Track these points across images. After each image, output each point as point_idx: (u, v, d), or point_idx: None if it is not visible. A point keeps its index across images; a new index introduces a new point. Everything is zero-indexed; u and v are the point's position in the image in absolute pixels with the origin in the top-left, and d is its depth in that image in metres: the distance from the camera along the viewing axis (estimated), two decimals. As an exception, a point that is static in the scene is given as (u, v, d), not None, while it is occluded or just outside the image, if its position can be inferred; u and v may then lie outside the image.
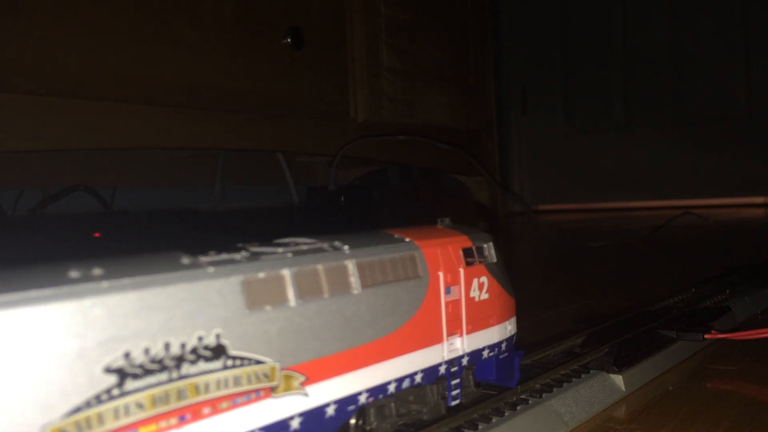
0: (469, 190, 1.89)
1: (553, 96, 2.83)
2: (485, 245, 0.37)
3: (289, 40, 1.20)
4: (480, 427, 0.36)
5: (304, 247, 0.28)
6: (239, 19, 1.14)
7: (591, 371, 0.45)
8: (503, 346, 0.38)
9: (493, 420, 0.37)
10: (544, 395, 0.41)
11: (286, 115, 1.25)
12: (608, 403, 0.44)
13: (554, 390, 0.41)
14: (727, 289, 0.72)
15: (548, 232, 2.03)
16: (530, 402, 0.40)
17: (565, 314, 0.74)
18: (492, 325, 0.37)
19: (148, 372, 0.21)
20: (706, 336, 0.54)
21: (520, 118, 2.89)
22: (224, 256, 0.25)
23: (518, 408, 0.38)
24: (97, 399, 0.20)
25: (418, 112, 1.54)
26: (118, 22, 0.98)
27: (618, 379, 0.46)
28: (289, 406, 0.26)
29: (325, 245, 0.29)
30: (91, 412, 0.20)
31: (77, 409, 0.20)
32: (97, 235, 1.16)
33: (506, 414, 0.38)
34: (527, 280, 1.13)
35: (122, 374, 0.21)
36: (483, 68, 1.80)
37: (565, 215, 2.64)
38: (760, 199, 2.46)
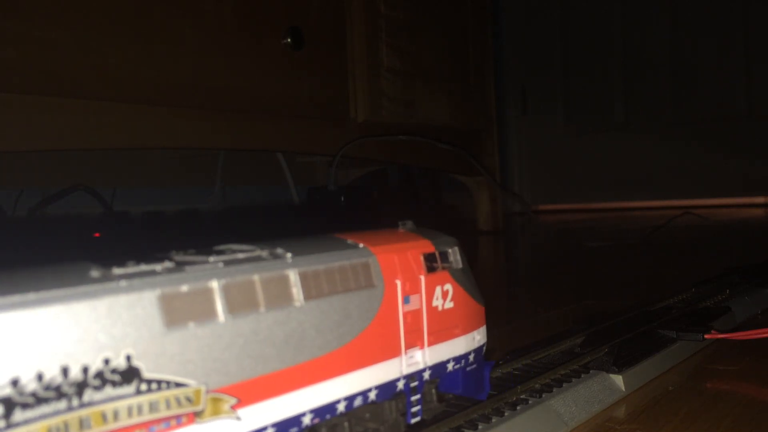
0: (469, 190, 1.89)
1: (553, 96, 2.83)
2: (450, 250, 0.35)
3: (289, 40, 1.20)
4: (480, 426, 0.36)
5: (240, 256, 0.26)
6: (239, 19, 1.14)
7: (591, 371, 0.45)
8: (471, 357, 0.36)
9: (493, 420, 0.37)
10: (544, 395, 0.41)
11: (286, 115, 1.25)
12: (608, 403, 0.44)
13: (554, 390, 0.41)
14: (727, 289, 0.72)
15: (548, 232, 2.03)
16: (530, 402, 0.40)
17: (565, 314, 0.74)
18: (457, 335, 0.35)
19: (41, 400, 0.19)
20: (706, 336, 0.54)
21: (520, 118, 2.89)
22: (143, 267, 0.23)
23: (518, 408, 0.38)
24: None
25: (418, 112, 1.54)
26: (118, 22, 0.98)
27: (618, 379, 0.46)
28: (218, 431, 0.24)
29: (265, 253, 0.27)
30: None
31: None
32: (97, 235, 1.17)
33: (506, 414, 0.38)
34: (527, 280, 1.13)
35: (9, 404, 0.19)
36: (483, 68, 1.80)
37: (565, 215, 2.64)
38: (760, 199, 2.46)
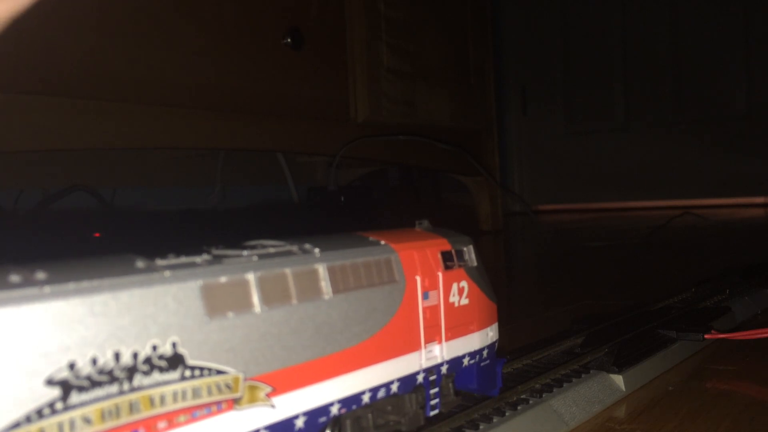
0: (469, 190, 1.89)
1: (553, 96, 2.83)
2: (465, 248, 0.36)
3: (289, 40, 1.20)
4: (481, 426, 0.36)
5: (272, 250, 0.27)
6: (239, 19, 1.14)
7: (591, 371, 0.45)
8: (484, 353, 0.37)
9: (494, 420, 0.37)
10: (544, 395, 0.41)
11: (286, 115, 1.25)
12: (608, 403, 0.44)
13: (554, 390, 0.41)
14: (727, 289, 0.72)
15: (548, 232, 2.03)
16: (530, 402, 0.40)
17: (565, 314, 0.74)
18: (472, 331, 0.36)
19: (95, 384, 0.20)
20: (706, 336, 0.54)
21: (520, 118, 2.89)
22: (183, 259, 0.24)
23: (518, 408, 0.39)
24: (39, 413, 0.19)
25: (418, 112, 1.54)
26: (118, 22, 0.98)
27: (618, 379, 0.46)
28: (254, 418, 0.24)
29: (295, 248, 0.28)
30: (32, 427, 0.19)
31: (16, 425, 0.18)
32: (97, 235, 1.16)
33: (506, 414, 0.38)
34: (527, 280, 1.13)
35: (66, 386, 0.19)
36: (483, 68, 1.80)
37: (565, 215, 2.64)
38: (760, 199, 2.46)
